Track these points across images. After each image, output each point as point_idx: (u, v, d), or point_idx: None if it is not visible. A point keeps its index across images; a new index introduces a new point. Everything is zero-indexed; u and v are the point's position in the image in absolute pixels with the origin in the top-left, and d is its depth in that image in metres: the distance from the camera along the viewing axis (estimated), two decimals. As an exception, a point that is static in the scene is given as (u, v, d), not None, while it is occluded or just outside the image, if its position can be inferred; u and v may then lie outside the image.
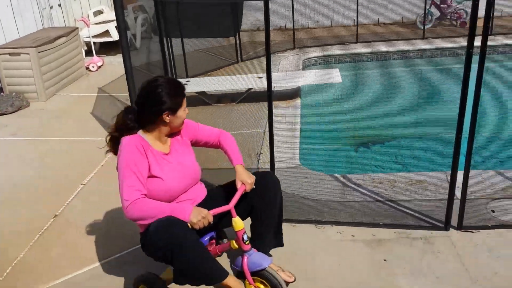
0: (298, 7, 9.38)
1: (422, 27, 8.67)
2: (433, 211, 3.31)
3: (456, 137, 2.89)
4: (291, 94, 6.20)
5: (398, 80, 7.30)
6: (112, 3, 9.72)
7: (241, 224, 2.45)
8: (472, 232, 3.05)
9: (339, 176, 4.04)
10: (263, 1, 3.10)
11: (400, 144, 5.29)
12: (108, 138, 2.66)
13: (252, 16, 9.64)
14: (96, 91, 6.80)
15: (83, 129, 5.51)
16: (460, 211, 3.08)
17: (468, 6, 8.79)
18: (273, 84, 5.96)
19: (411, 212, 3.37)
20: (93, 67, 7.86)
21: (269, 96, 3.39)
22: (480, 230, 3.07)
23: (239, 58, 8.07)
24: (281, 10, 9.60)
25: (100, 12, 9.35)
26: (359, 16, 8.93)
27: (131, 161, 2.37)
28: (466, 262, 2.78)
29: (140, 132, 2.53)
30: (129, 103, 5.44)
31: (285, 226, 3.34)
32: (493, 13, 8.38)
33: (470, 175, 3.51)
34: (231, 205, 2.45)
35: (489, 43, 7.17)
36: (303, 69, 7.58)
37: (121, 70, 6.36)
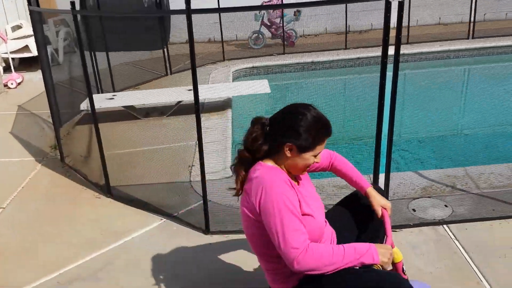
0: (226, 19, 9.47)
1: (256, 47, 9.19)
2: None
3: (376, 142, 3.04)
4: (222, 106, 6.22)
5: (325, 89, 7.56)
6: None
7: (401, 255, 2.08)
8: (396, 231, 3.20)
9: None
10: (185, 14, 3.10)
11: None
12: (238, 166, 2.10)
13: (180, 29, 9.59)
14: (16, 109, 6.43)
15: (1, 150, 5.19)
16: (385, 211, 3.22)
17: (297, 26, 9.48)
18: (203, 96, 6.02)
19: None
20: (12, 84, 7.45)
21: (196, 109, 3.38)
22: (403, 229, 3.22)
23: (168, 71, 7.99)
24: (209, 23, 9.64)
25: (18, 27, 8.89)
26: (285, 27, 9.19)
27: (287, 199, 1.89)
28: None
29: (270, 162, 2.05)
30: (50, 120, 5.21)
31: (217, 238, 3.35)
32: (409, 24, 8.96)
33: (392, 176, 3.70)
34: (391, 238, 2.12)
35: (406, 51, 7.64)
36: (233, 80, 7.65)
37: (43, 87, 6.10)
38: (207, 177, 3.89)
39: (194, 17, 3.11)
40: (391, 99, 2.96)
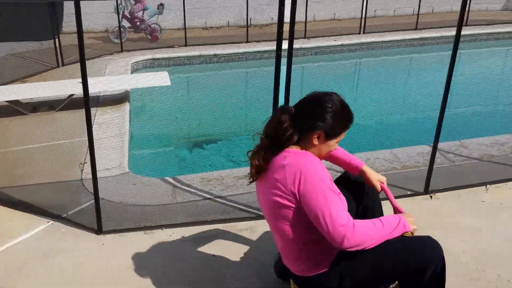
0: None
1: (116, 41, 8.62)
2: (255, 203, 3.48)
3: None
4: (119, 99, 5.96)
5: (227, 81, 7.59)
6: None
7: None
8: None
9: (169, 179, 4.00)
10: (73, 1, 2.88)
11: (231, 142, 5.48)
12: (258, 154, 2.06)
13: (71, 18, 9.04)
14: None
15: None
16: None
17: (161, 21, 9.47)
18: (97, 89, 5.71)
19: (238, 206, 3.50)
20: None
21: (86, 102, 3.16)
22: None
23: (60, 62, 7.49)
24: (106, 11, 9.18)
25: None
26: (188, 19, 9.05)
27: (327, 179, 1.91)
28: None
29: (296, 148, 2.04)
30: None
31: (111, 237, 3.19)
32: (306, 19, 9.28)
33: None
34: (399, 206, 2.20)
35: (304, 45, 7.87)
36: (132, 72, 7.37)
37: None
38: (101, 174, 3.71)
39: (84, 4, 2.91)
40: (286, 90, 3.01)
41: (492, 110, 5.82)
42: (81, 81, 5.48)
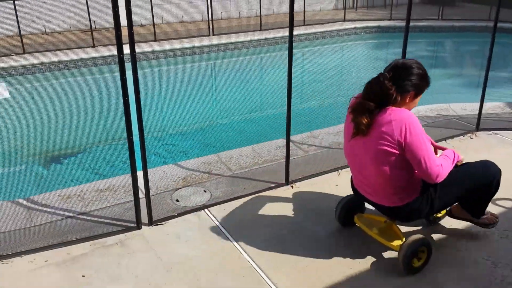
0: None
1: None
2: (125, 213, 3.39)
3: (128, 140, 3.02)
4: None
5: (75, 89, 7.15)
6: None
7: None
8: (162, 224, 3.27)
9: (22, 201, 3.65)
10: None
11: (92, 153, 5.20)
12: (366, 113, 2.50)
13: None
14: None
15: None
16: (148, 207, 3.25)
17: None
18: None
19: (105, 220, 3.35)
20: None
21: None
22: (169, 221, 3.32)
23: None
24: None
25: None
26: (23, 24, 8.27)
27: (423, 130, 2.49)
28: (160, 253, 2.96)
29: (397, 107, 2.53)
30: None
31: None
32: (153, 21, 9.17)
33: (154, 171, 3.76)
34: (444, 147, 2.86)
35: (156, 48, 7.76)
36: (-40, 86, 6.50)
37: None
38: None
39: None
40: (136, 96, 2.96)
41: (334, 101, 6.50)
42: None
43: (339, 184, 3.74)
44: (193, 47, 9.00)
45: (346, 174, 3.85)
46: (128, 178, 3.87)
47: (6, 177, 4.77)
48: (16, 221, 3.36)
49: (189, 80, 7.89)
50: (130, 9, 2.84)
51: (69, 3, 9.44)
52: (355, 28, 11.14)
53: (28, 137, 5.65)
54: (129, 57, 2.93)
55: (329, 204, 3.32)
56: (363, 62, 9.45)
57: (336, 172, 3.93)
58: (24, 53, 7.92)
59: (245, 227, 3.21)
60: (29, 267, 2.90)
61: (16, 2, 8.11)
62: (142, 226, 3.25)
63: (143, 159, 3.11)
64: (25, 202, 3.63)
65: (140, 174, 3.15)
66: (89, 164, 4.97)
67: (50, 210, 3.51)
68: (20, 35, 8.11)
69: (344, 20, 11.70)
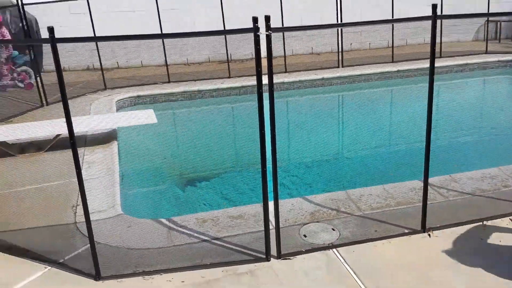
0: (105, 47, 9.16)
1: None
2: (255, 243, 3.51)
3: (262, 171, 3.14)
4: (106, 138, 5.95)
5: (213, 117, 7.66)
6: None
7: None
8: (290, 259, 3.32)
9: (163, 220, 3.99)
10: (49, 43, 2.96)
11: (221, 179, 5.50)
12: None
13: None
14: None
15: None
16: (277, 240, 3.32)
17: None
18: (83, 128, 5.70)
19: (236, 247, 3.51)
20: None
21: (72, 144, 3.19)
22: (297, 256, 3.35)
23: (44, 102, 7.45)
24: (86, 49, 9.23)
25: None
26: (168, 55, 9.15)
27: None
28: (289, 290, 3.00)
29: None
30: None
31: (109, 284, 3.16)
32: (284, 54, 9.50)
33: (282, 203, 3.85)
34: None
35: (286, 79, 7.98)
36: (117, 110, 7.38)
37: None
38: (94, 217, 3.69)
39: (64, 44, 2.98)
40: (271, 128, 3.08)
41: (475, 141, 6.01)
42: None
43: (484, 238, 3.42)
44: (322, 79, 9.10)
45: (493, 228, 3.53)
46: (258, 207, 4.03)
47: (149, 195, 5.25)
48: (158, 240, 3.68)
49: (317, 111, 7.97)
50: (271, 46, 2.99)
51: (210, 39, 10.21)
52: (499, 61, 10.31)
53: (168, 159, 6.18)
54: (259, 92, 3.05)
55: (473, 262, 3.06)
56: (509, 99, 8.66)
57: (481, 223, 3.62)
58: (169, 82, 8.76)
59: (377, 275, 3.10)
60: (168, 285, 3.15)
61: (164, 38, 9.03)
62: (271, 259, 3.33)
63: (274, 192, 3.21)
64: (166, 222, 3.97)
65: (271, 205, 3.25)
66: (221, 190, 5.26)
67: (188, 232, 3.78)
68: (166, 65, 9.00)
69: (486, 52, 10.90)
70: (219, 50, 10.21)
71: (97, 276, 3.23)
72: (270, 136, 3.13)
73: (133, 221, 4.01)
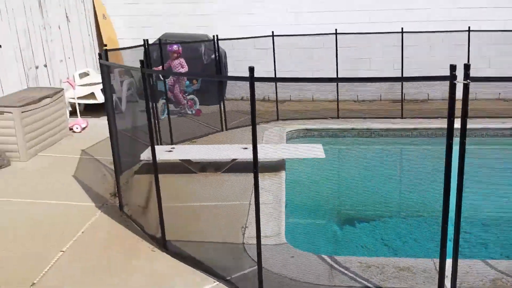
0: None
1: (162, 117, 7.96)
2: (423, 300, 3.28)
3: (442, 228, 2.93)
4: (275, 167, 6.23)
5: (381, 157, 7.47)
6: (99, 67, 9.84)
7: None
8: (464, 325, 3.02)
9: (326, 258, 3.99)
10: (248, 81, 3.22)
11: (385, 224, 5.29)
12: None
13: (238, 86, 9.88)
14: (79, 153, 6.70)
15: (64, 192, 5.37)
16: (451, 304, 3.05)
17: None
18: (261, 156, 6.06)
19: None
20: (77, 128, 7.80)
21: (255, 173, 3.40)
22: (472, 324, 3.03)
23: (224, 127, 8.17)
24: (262, 82, 9.89)
25: (86, 74, 9.43)
26: (339, 92, 9.27)
27: None
28: None
29: None
30: (112, 167, 5.38)
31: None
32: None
33: (458, 264, 3.53)
34: None
35: (469, 126, 7.37)
36: (286, 141, 7.70)
37: (105, 133, 6.32)
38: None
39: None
40: (458, 183, 2.87)
41: None
42: (244, 147, 5.92)
43: None
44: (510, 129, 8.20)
45: None
46: (427, 262, 3.77)
47: (312, 228, 5.32)
48: (319, 276, 3.69)
49: (506, 164, 7.13)
50: (468, 97, 2.82)
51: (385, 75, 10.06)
52: None
53: (332, 196, 6.20)
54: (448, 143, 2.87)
55: None
56: None
57: None
58: (338, 117, 8.87)
59: None
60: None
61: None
62: (441, 321, 3.07)
63: (454, 252, 2.97)
64: (329, 260, 3.96)
65: (448, 262, 3.01)
66: (383, 236, 5.05)
67: (350, 274, 3.71)
68: (337, 101, 9.13)
69: None
70: (392, 89, 10.00)
71: (260, 301, 3.36)
72: (456, 191, 2.91)
73: (296, 252, 4.10)
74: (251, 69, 3.17)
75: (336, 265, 3.85)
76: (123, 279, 3.71)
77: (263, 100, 10.35)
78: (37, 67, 8.07)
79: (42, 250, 4.12)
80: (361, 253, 4.59)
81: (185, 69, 8.66)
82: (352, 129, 8.29)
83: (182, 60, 8.61)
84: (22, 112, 6.33)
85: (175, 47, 8.50)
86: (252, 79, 3.18)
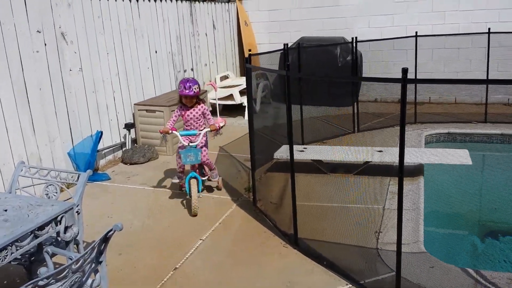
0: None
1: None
2: None
3: None
4: (413, 171, 5.89)
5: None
6: (237, 69, 10.37)
7: None
8: None
9: (470, 271, 3.64)
10: (401, 83, 3.07)
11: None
12: None
13: (371, 88, 9.60)
14: (218, 150, 7.10)
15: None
16: None
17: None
18: (393, 159, 5.79)
19: None
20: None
21: (400, 178, 3.23)
22: None
23: (356, 128, 7.98)
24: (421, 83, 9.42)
25: (226, 77, 10.00)
26: (488, 94, 8.45)
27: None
28: None
29: None
30: (248, 164, 5.59)
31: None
32: None
33: None
34: None
35: None
36: (425, 145, 7.25)
37: (240, 131, 6.59)
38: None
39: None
40: None
41: None
42: (379, 150, 5.70)
43: None
44: None
45: None
46: None
47: (452, 239, 4.91)
48: (463, 289, 3.38)
49: None
50: None
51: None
52: None
53: (476, 205, 5.65)
54: None
55: None
56: None
57: None
58: (485, 122, 8.07)
59: None
60: None
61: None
62: None
63: None
64: (473, 273, 3.61)
65: None
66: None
67: (499, 291, 3.33)
68: (486, 104, 8.32)
69: None
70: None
71: (396, 308, 3.19)
72: None
73: (436, 262, 3.81)
74: (405, 71, 3.03)
75: (481, 280, 3.50)
76: (256, 271, 3.81)
77: (398, 102, 9.90)
78: (185, 71, 8.78)
79: (184, 236, 4.44)
80: (506, 269, 4.10)
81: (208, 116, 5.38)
82: (502, 134, 7.49)
83: (203, 107, 5.28)
84: (171, 111, 6.90)
85: (192, 88, 5.07)
86: (405, 80, 3.03)
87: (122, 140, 6.98)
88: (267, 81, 9.62)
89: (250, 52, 5.43)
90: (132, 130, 7.06)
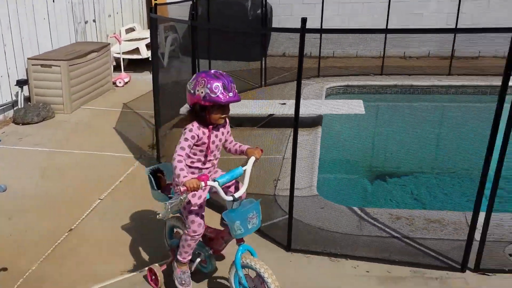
0: (325, 36, 9.46)
1: None
2: (451, 251, 3.26)
3: (481, 179, 2.87)
4: (312, 122, 6.21)
5: (421, 115, 7.26)
6: (145, 21, 9.87)
7: None
8: (488, 275, 2.99)
9: (356, 209, 4.01)
10: (299, 33, 3.12)
11: (417, 180, 5.24)
12: None
13: (277, 42, 9.74)
14: (121, 107, 6.93)
15: (104, 143, 5.60)
16: (478, 253, 3.03)
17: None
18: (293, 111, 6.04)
19: (428, 251, 3.32)
20: (119, 82, 8.03)
21: (295, 126, 3.42)
22: (497, 274, 3.01)
23: (263, 82, 8.16)
24: (307, 38, 9.69)
25: (132, 30, 9.58)
26: (386, 47, 8.97)
27: None
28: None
29: None
30: (153, 120, 5.54)
31: (298, 257, 3.34)
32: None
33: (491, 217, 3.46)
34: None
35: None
36: (325, 97, 7.61)
37: (146, 87, 6.43)
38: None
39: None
40: (505, 135, 2.77)
41: None
42: (282, 102, 5.88)
43: None
44: None
45: None
46: (458, 215, 3.72)
47: (343, 182, 5.32)
48: (348, 226, 3.73)
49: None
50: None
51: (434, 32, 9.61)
52: None
53: (368, 152, 6.13)
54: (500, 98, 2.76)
55: None
56: None
57: None
58: (381, 74, 8.62)
59: None
60: (352, 272, 3.17)
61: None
62: (467, 270, 3.06)
63: (489, 204, 2.91)
64: (358, 211, 3.98)
65: (481, 215, 2.96)
66: (412, 190, 5.00)
67: (379, 225, 3.72)
68: (383, 57, 8.85)
69: None
70: (443, 46, 9.53)
71: (287, 247, 3.45)
72: (501, 145, 2.81)
73: (327, 203, 4.14)
74: (304, 20, 3.06)
75: (365, 216, 3.87)
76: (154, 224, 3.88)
77: (305, 57, 10.20)
78: (86, 22, 8.27)
79: (82, 196, 4.35)
80: (391, 206, 4.58)
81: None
82: (395, 85, 8.07)
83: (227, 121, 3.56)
84: (69, 65, 6.57)
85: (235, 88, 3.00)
86: (303, 30, 3.04)
87: (14, 98, 6.54)
88: (176, 34, 9.37)
89: (156, 2, 5.24)
90: (26, 87, 6.60)
